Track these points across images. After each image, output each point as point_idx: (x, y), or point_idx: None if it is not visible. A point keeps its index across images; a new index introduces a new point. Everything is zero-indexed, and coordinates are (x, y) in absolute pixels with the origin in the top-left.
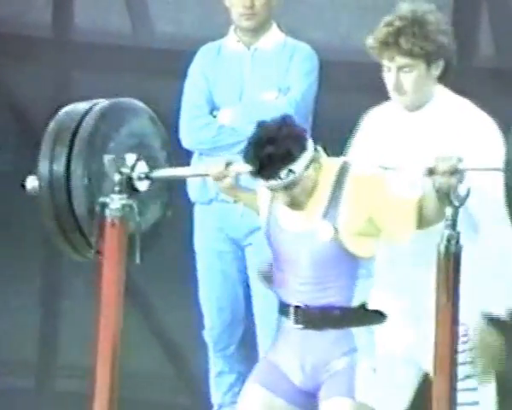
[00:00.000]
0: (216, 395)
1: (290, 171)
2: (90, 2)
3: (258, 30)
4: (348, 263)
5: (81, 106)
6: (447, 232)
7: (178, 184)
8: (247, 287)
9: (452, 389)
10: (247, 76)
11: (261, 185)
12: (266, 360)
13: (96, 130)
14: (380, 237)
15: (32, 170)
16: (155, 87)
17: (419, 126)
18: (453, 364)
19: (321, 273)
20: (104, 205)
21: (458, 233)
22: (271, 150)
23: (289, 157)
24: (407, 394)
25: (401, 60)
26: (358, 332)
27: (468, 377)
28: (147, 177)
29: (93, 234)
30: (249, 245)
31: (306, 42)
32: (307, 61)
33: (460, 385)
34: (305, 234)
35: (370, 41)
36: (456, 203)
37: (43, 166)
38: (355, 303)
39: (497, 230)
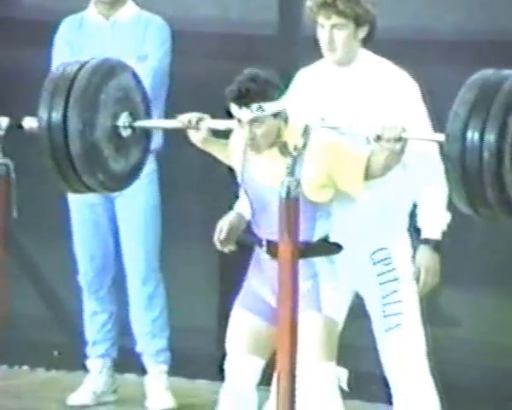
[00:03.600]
0: (90, 333)
1: (260, 107)
2: None
3: (115, 3)
4: (309, 208)
5: (74, 63)
6: (287, 179)
7: None
8: (116, 235)
9: (294, 320)
10: (107, 45)
11: (234, 112)
12: (247, 286)
13: (89, 82)
14: (336, 188)
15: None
16: (23, 57)
17: (347, 80)
18: (295, 297)
19: None
20: None
21: (297, 180)
22: (250, 85)
23: (263, 95)
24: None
25: (336, 19)
26: (320, 261)
27: (394, 291)
28: (130, 126)
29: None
30: (119, 196)
31: (155, 13)
32: (161, 32)
33: (388, 299)
34: (273, 187)
35: (310, 2)
36: (295, 154)
37: (43, 112)
38: (316, 238)
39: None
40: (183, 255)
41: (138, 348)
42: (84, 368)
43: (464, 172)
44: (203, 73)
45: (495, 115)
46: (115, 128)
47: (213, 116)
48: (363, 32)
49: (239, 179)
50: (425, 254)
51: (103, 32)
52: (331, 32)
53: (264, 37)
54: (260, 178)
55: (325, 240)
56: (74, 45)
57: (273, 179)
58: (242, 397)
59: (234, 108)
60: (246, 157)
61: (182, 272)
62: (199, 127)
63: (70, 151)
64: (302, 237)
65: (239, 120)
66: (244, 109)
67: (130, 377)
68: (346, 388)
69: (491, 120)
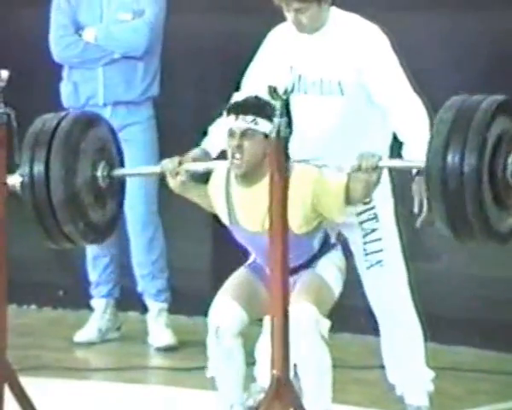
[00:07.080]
0: (93, 275)
1: (255, 120)
2: None
3: None
4: (303, 239)
5: (55, 116)
6: (277, 120)
7: None
8: None
9: (285, 251)
10: (104, 1)
11: (229, 124)
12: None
13: (70, 132)
14: (319, 218)
15: None
16: (22, 14)
17: (319, 44)
18: (284, 229)
19: None
20: None
21: (286, 121)
22: (250, 98)
23: (260, 109)
24: None
25: (297, 5)
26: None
27: (374, 230)
28: (108, 175)
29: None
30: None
31: None
32: None
33: (369, 237)
34: (261, 233)
35: None
36: (284, 97)
37: (25, 164)
38: (316, 249)
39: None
40: (179, 201)
41: (140, 288)
42: (89, 307)
43: (445, 187)
44: (195, 26)
45: (474, 133)
46: (94, 178)
47: (204, 64)
48: (327, 2)
49: (226, 223)
50: (423, 185)
51: None
52: (296, 15)
53: None
54: (249, 225)
55: (324, 243)
56: (72, 1)
57: (261, 225)
58: (225, 342)
59: (230, 119)
60: (230, 201)
61: (178, 216)
62: (179, 170)
63: (51, 199)
64: (307, 255)
65: (231, 132)
66: (240, 119)
67: (133, 315)
68: (325, 336)
69: (471, 138)
